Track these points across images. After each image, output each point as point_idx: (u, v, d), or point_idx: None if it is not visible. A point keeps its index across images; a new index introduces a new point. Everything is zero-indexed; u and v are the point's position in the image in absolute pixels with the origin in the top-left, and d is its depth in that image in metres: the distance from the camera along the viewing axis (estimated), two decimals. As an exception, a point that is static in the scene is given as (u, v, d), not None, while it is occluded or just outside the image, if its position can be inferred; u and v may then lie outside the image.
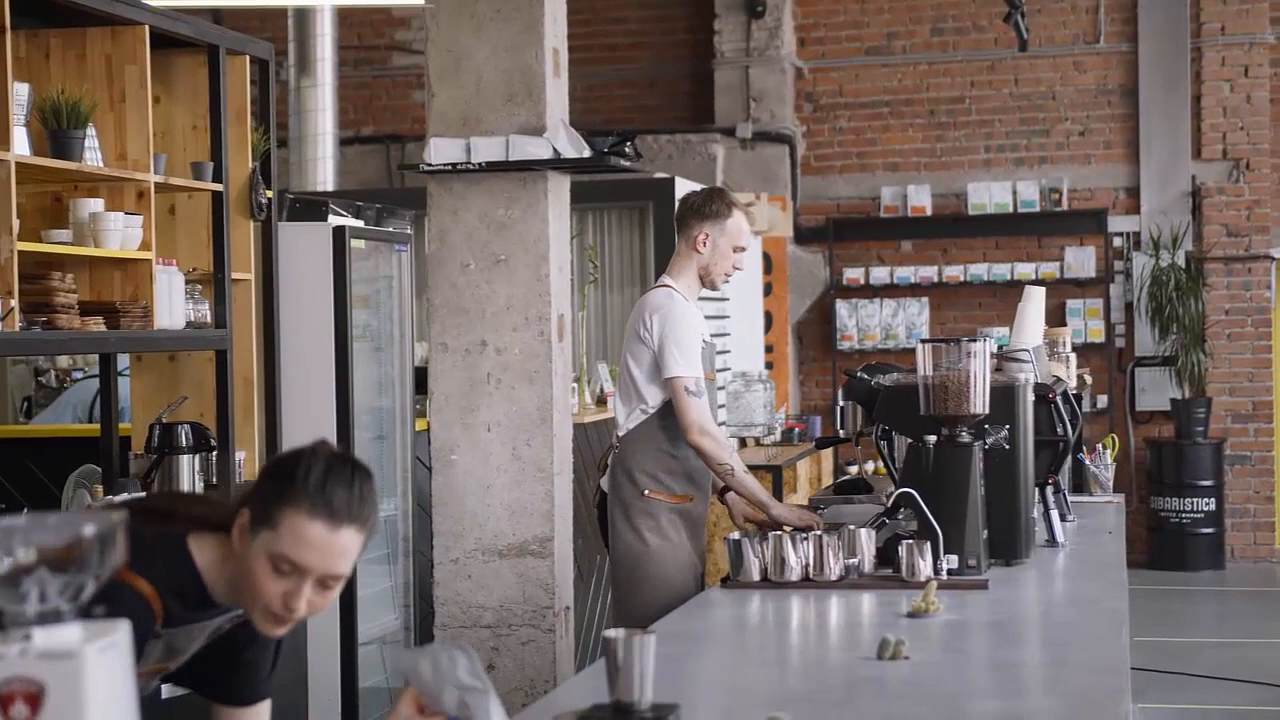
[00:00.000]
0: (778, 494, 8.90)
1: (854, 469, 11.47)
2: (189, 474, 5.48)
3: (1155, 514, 12.37)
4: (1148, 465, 12.52)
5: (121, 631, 1.83)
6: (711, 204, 5.30)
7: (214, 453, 5.62)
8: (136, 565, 2.56)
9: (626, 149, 6.20)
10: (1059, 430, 5.11)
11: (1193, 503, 12.23)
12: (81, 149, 4.90)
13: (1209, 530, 12.26)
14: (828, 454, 11.48)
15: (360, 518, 2.61)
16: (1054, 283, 12.56)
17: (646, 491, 5.20)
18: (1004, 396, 4.60)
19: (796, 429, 11.23)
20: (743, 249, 5.34)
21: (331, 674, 6.30)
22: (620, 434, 5.30)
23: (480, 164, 5.82)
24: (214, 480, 5.64)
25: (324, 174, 10.25)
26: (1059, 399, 5.12)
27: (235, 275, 5.75)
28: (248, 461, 5.88)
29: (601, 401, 8.23)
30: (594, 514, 5.59)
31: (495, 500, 5.76)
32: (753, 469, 8.99)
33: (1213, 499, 12.25)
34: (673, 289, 5.27)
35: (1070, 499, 5.84)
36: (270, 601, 2.60)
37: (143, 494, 4.81)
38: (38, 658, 1.75)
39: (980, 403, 4.45)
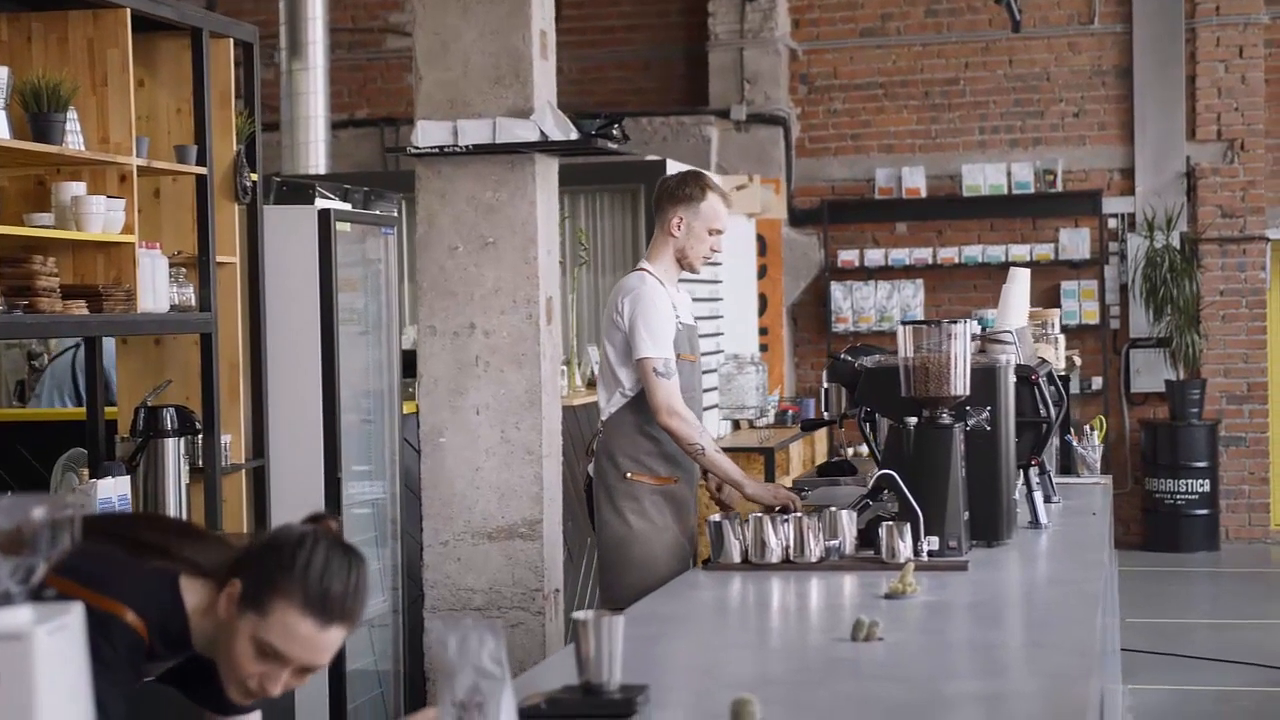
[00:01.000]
0: (769, 476, 8.91)
1: (849, 451, 11.49)
2: (174, 457, 5.48)
3: (1150, 495, 12.38)
4: (1142, 447, 12.52)
5: (73, 614, 1.83)
6: (685, 187, 5.33)
7: (199, 436, 5.62)
8: (129, 598, 2.59)
9: (614, 131, 6.19)
10: (1042, 412, 5.11)
11: (1187, 484, 12.24)
12: (62, 132, 4.89)
13: (1204, 512, 12.27)
14: (822, 436, 11.50)
15: (352, 615, 2.62)
16: (1048, 264, 12.57)
17: (629, 474, 5.23)
18: (985, 378, 4.61)
19: (790, 411, 11.23)
20: (718, 231, 5.36)
21: (319, 656, 6.30)
22: (602, 418, 5.34)
23: (467, 146, 5.82)
24: (199, 464, 5.64)
25: (315, 157, 10.24)
26: (1042, 380, 5.12)
27: (220, 259, 5.74)
28: (233, 445, 5.88)
29: (592, 384, 8.23)
30: (583, 498, 5.61)
31: (484, 483, 5.77)
32: (745, 451, 9.07)
33: (1207, 480, 12.26)
34: (646, 272, 5.30)
35: (1057, 480, 5.85)
36: (247, 679, 2.62)
37: (136, 515, 4.74)
38: (-13, 640, 1.75)
39: (961, 384, 4.46)
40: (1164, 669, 8.41)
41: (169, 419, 5.48)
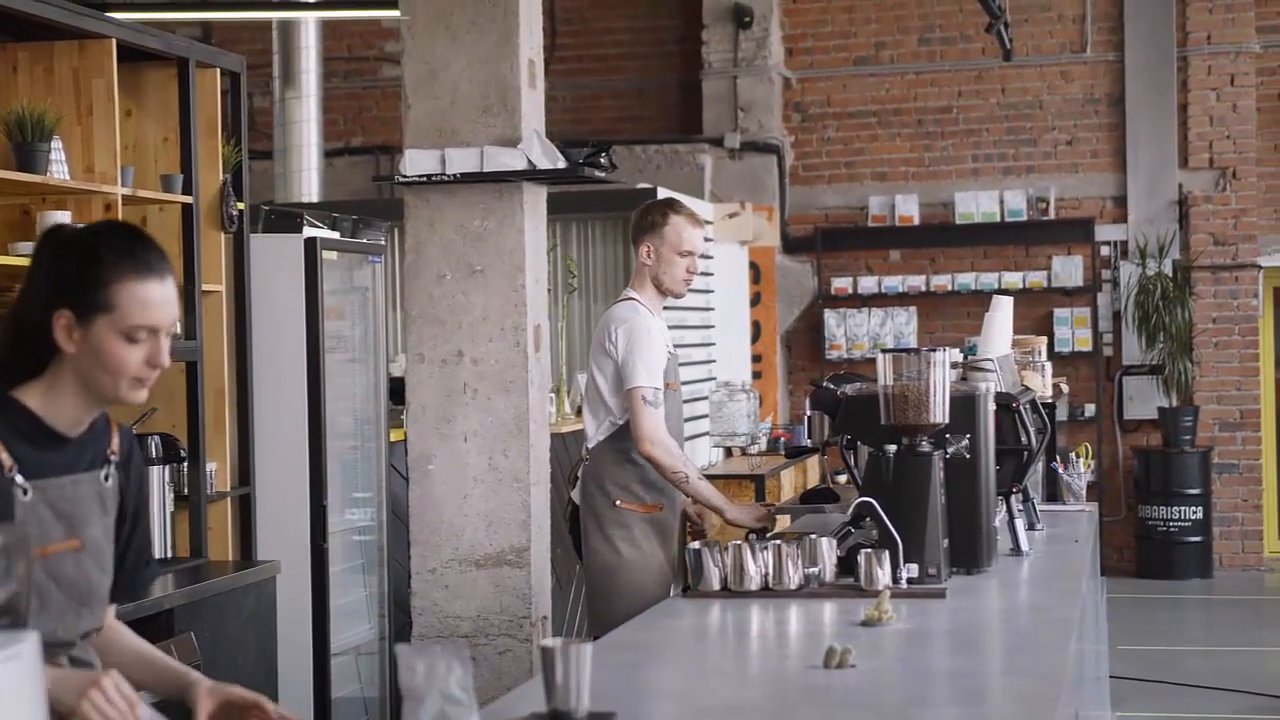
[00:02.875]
0: (760, 498, 8.91)
1: (843, 479, 11.47)
2: (159, 485, 5.49)
3: (1143, 523, 12.37)
4: (1135, 474, 12.53)
5: (28, 643, 1.84)
6: (647, 216, 5.45)
7: (184, 464, 5.63)
8: None
9: (601, 160, 6.22)
10: (1023, 439, 5.12)
11: (1180, 511, 12.24)
12: (47, 161, 4.92)
13: (1196, 539, 12.27)
14: (814, 463, 11.50)
15: (169, 266, 2.76)
16: (1041, 291, 12.59)
17: (618, 502, 5.27)
18: (965, 406, 4.62)
19: (783, 438, 11.24)
20: (689, 253, 5.41)
21: (304, 684, 6.31)
22: (589, 445, 5.38)
23: (455, 175, 5.85)
24: (185, 492, 5.65)
25: (308, 185, 10.28)
26: (1024, 408, 5.13)
27: (206, 287, 5.77)
28: (219, 473, 5.89)
29: (580, 411, 8.25)
30: (568, 525, 5.63)
31: (472, 510, 5.78)
32: (736, 478, 9.08)
33: (1200, 507, 12.26)
34: (636, 301, 5.35)
35: (1043, 508, 5.85)
36: (135, 371, 2.70)
37: None
38: (-61, 668, 1.76)
39: (940, 412, 4.47)
40: (1156, 696, 8.40)
41: (154, 447, 5.50)
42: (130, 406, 2.81)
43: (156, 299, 2.70)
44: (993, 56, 12.61)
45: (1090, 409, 12.58)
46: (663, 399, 5.20)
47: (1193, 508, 12.23)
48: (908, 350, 4.51)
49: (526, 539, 5.86)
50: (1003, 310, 5.63)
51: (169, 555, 5.50)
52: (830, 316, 12.96)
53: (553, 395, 8.20)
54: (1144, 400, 12.61)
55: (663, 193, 10.04)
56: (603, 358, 5.30)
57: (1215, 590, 11.99)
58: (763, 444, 10.49)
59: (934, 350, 4.49)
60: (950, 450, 4.53)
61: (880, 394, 4.50)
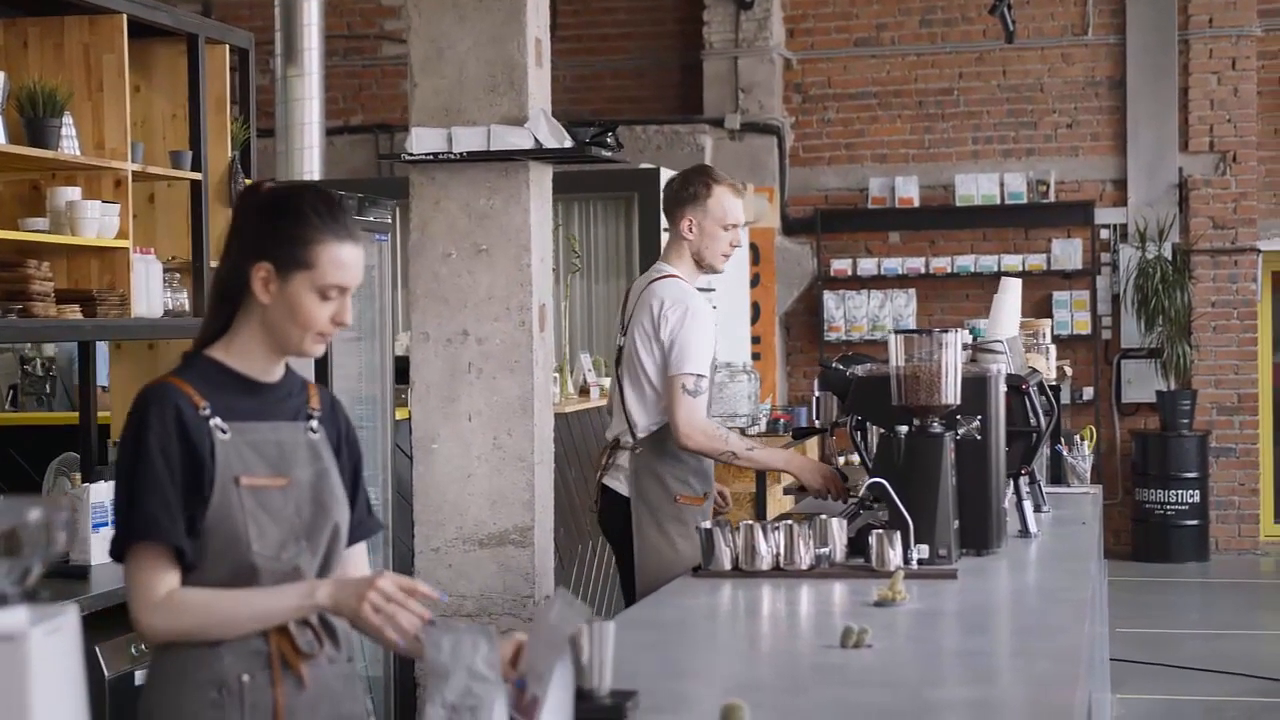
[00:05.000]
0: (760, 485, 8.89)
1: (841, 460, 11.48)
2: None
3: (1140, 506, 12.40)
4: (1133, 457, 12.55)
5: (68, 615, 1.84)
6: (689, 187, 5.21)
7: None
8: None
9: (608, 139, 6.20)
10: (1032, 421, 5.12)
11: (1177, 494, 12.26)
12: (58, 137, 4.91)
13: (1193, 522, 12.30)
14: (814, 444, 11.51)
15: (362, 232, 2.92)
16: (1041, 274, 12.60)
17: (679, 498, 5.12)
18: (976, 387, 4.62)
19: (783, 419, 11.25)
20: (733, 225, 5.21)
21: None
22: (639, 435, 5.18)
23: (461, 154, 5.84)
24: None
25: (310, 163, 10.19)
26: (1033, 390, 5.13)
27: (214, 264, 5.75)
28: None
29: (584, 391, 8.24)
30: (593, 511, 5.52)
31: (476, 489, 5.77)
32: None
33: (1197, 491, 12.28)
34: (681, 279, 5.16)
35: (1047, 490, 5.86)
36: (321, 326, 2.85)
37: None
38: (-18, 640, 1.76)
39: (952, 393, 4.47)
40: (1154, 678, 8.43)
41: (162, 424, 5.48)
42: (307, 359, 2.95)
43: (351, 261, 2.85)
44: (993, 39, 12.60)
45: (1089, 392, 12.59)
46: (705, 387, 5.01)
47: (1190, 491, 12.26)
48: (920, 331, 4.50)
49: (531, 518, 5.86)
50: (1011, 292, 5.63)
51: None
52: (829, 298, 12.96)
53: (555, 376, 8.19)
54: (1142, 384, 12.62)
55: (666, 173, 10.04)
56: (651, 341, 5.07)
57: (1211, 574, 12.02)
58: (762, 425, 10.50)
59: (946, 331, 4.49)
60: (961, 431, 4.53)
61: (892, 375, 4.50)
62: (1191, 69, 12.64)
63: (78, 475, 5.48)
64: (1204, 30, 12.60)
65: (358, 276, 2.87)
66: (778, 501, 9.38)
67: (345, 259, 2.84)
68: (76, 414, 5.90)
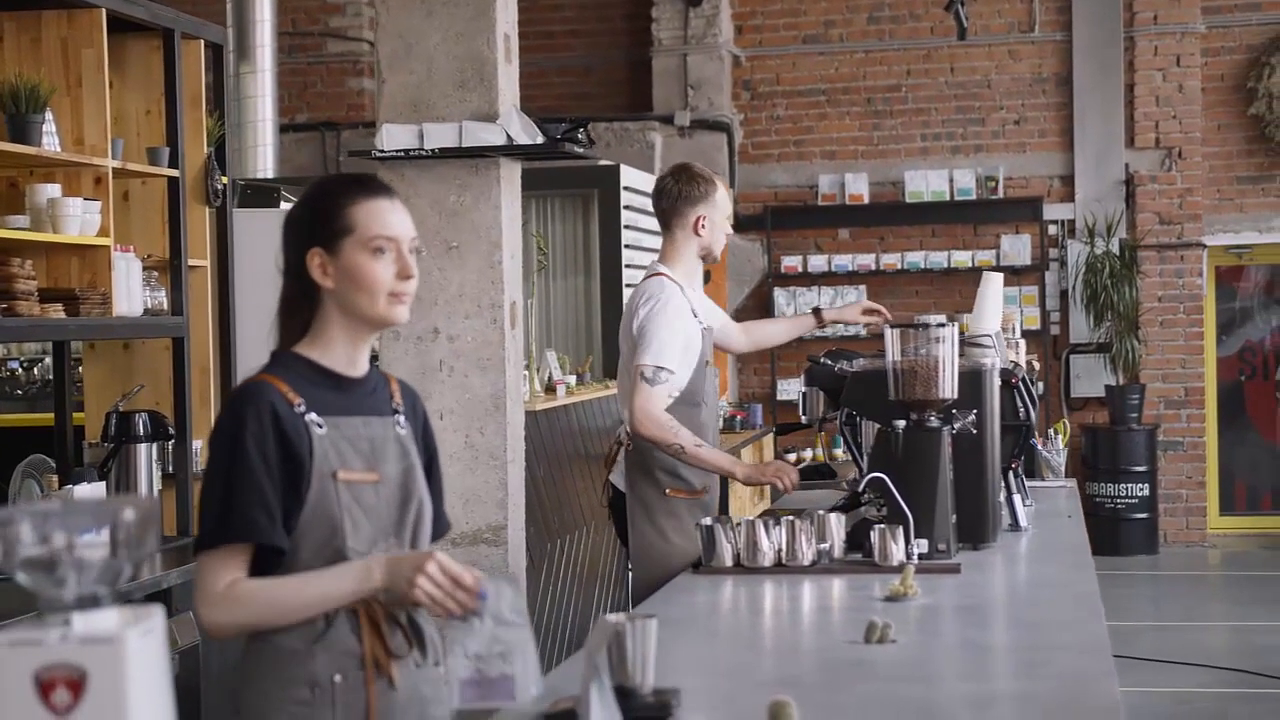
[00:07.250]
0: (721, 483, 8.87)
1: (809, 455, 11.52)
2: (146, 463, 5.41)
3: (1090, 499, 12.47)
4: (1083, 451, 12.63)
5: (157, 617, 1.80)
6: (698, 186, 5.25)
7: (171, 441, 5.55)
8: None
9: (579, 135, 6.18)
10: (1021, 414, 5.14)
11: (1127, 488, 12.36)
12: (40, 133, 4.83)
13: (1142, 515, 12.40)
14: (768, 441, 11.53)
15: (392, 190, 2.92)
16: (989, 270, 12.64)
17: (669, 491, 5.14)
18: (971, 381, 4.63)
19: (738, 417, 11.27)
20: (729, 216, 5.35)
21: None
22: (629, 431, 5.19)
23: (433, 150, 5.80)
24: (171, 469, 5.57)
25: (264, 161, 10.14)
26: (1022, 383, 5.16)
27: (191, 262, 5.68)
28: (205, 450, 5.82)
29: (550, 389, 8.21)
30: (604, 512, 5.54)
31: (449, 488, 5.68)
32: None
33: (1146, 484, 12.39)
34: (666, 277, 5.19)
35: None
36: (389, 285, 2.83)
37: None
38: (79, 643, 1.73)
39: (948, 387, 4.47)
40: (1121, 671, 8.46)
41: (141, 424, 5.42)
42: (390, 327, 2.97)
43: (388, 209, 2.85)
44: (942, 36, 12.66)
45: (1039, 387, 12.65)
46: (665, 378, 5.06)
47: (1139, 485, 12.36)
48: (916, 326, 4.50)
49: (504, 517, 5.84)
50: (994, 286, 5.65)
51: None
52: (780, 294, 12.98)
53: (524, 373, 8.14)
54: (1091, 378, 12.72)
55: (626, 170, 10.03)
56: (632, 338, 5.13)
57: (1161, 566, 12.13)
58: (719, 423, 10.50)
59: (942, 325, 4.50)
60: (957, 425, 4.54)
61: (889, 370, 4.50)
62: (1137, 65, 12.74)
63: (54, 478, 5.40)
64: (1149, 27, 12.71)
65: (404, 227, 2.86)
66: (738, 499, 9.38)
67: (381, 209, 2.84)
68: (47, 415, 5.81)
